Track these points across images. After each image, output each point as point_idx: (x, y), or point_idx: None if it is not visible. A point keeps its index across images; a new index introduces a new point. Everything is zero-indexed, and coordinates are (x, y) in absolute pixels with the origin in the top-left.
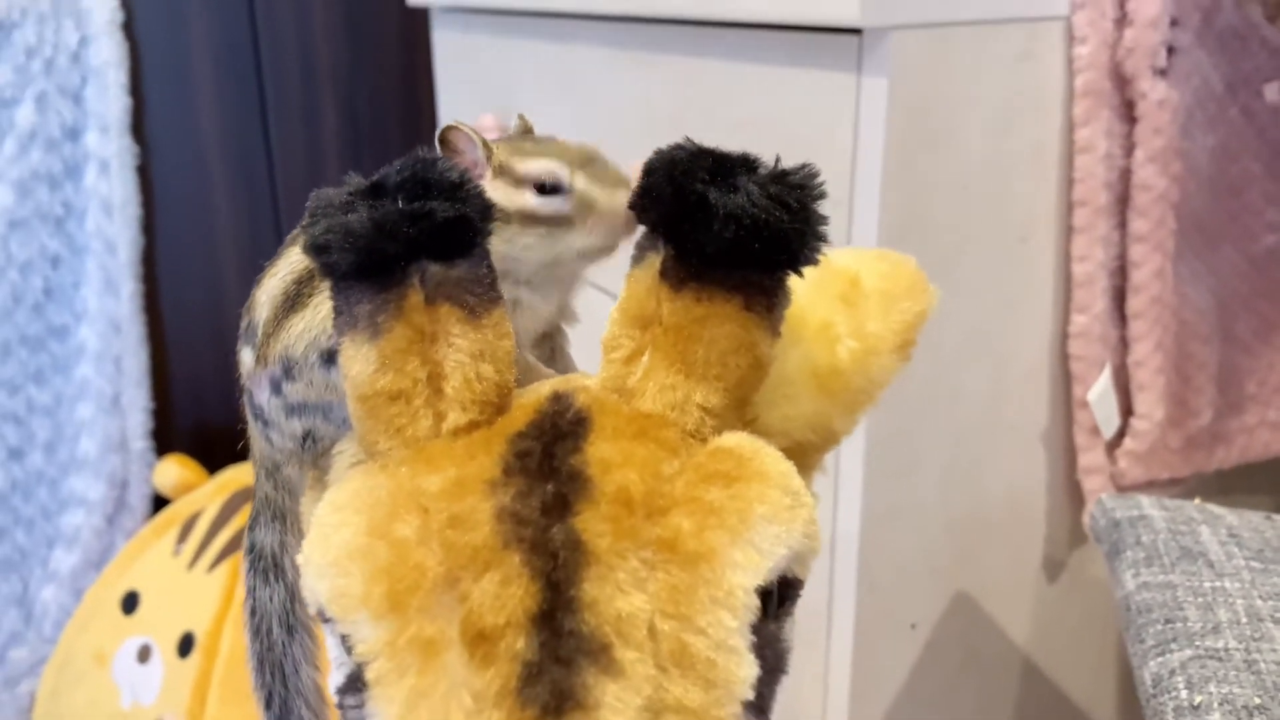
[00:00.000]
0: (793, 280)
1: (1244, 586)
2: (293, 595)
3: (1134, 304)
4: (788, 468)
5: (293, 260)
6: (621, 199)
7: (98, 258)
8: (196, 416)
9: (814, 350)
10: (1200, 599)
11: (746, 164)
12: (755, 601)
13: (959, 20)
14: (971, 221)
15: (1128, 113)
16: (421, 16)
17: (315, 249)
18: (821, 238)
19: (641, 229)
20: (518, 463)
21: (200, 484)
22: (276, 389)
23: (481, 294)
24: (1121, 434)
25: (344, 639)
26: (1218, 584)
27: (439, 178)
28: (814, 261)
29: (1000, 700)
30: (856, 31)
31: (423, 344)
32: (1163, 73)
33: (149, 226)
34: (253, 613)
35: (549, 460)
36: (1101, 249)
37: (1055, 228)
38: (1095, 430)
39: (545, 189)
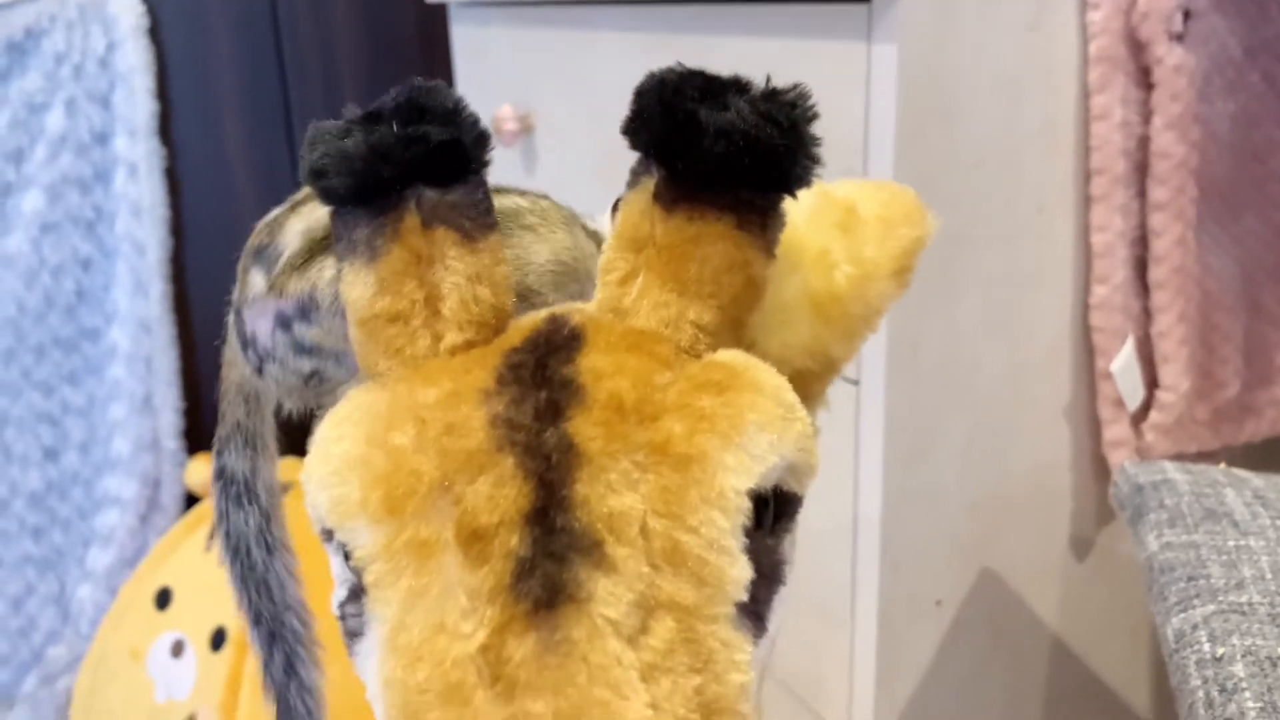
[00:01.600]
0: (790, 208)
1: (1269, 544)
2: (267, 517)
3: (1156, 274)
4: (782, 382)
5: None
6: None
7: (127, 260)
8: None
9: (811, 277)
10: (1224, 556)
11: (738, 85)
12: (747, 504)
13: None
14: (987, 192)
15: (1144, 79)
16: (439, 13)
17: (313, 174)
18: (813, 158)
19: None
20: (511, 374)
21: None
22: (285, 325)
23: (477, 219)
24: (1147, 407)
25: (345, 551)
26: (1242, 542)
27: (434, 103)
28: (807, 182)
29: (1030, 678)
30: (865, 0)
31: (419, 266)
32: (1179, 37)
33: (177, 228)
34: (228, 535)
35: (542, 371)
36: (1121, 218)
37: (1073, 197)
38: (1120, 403)
39: None
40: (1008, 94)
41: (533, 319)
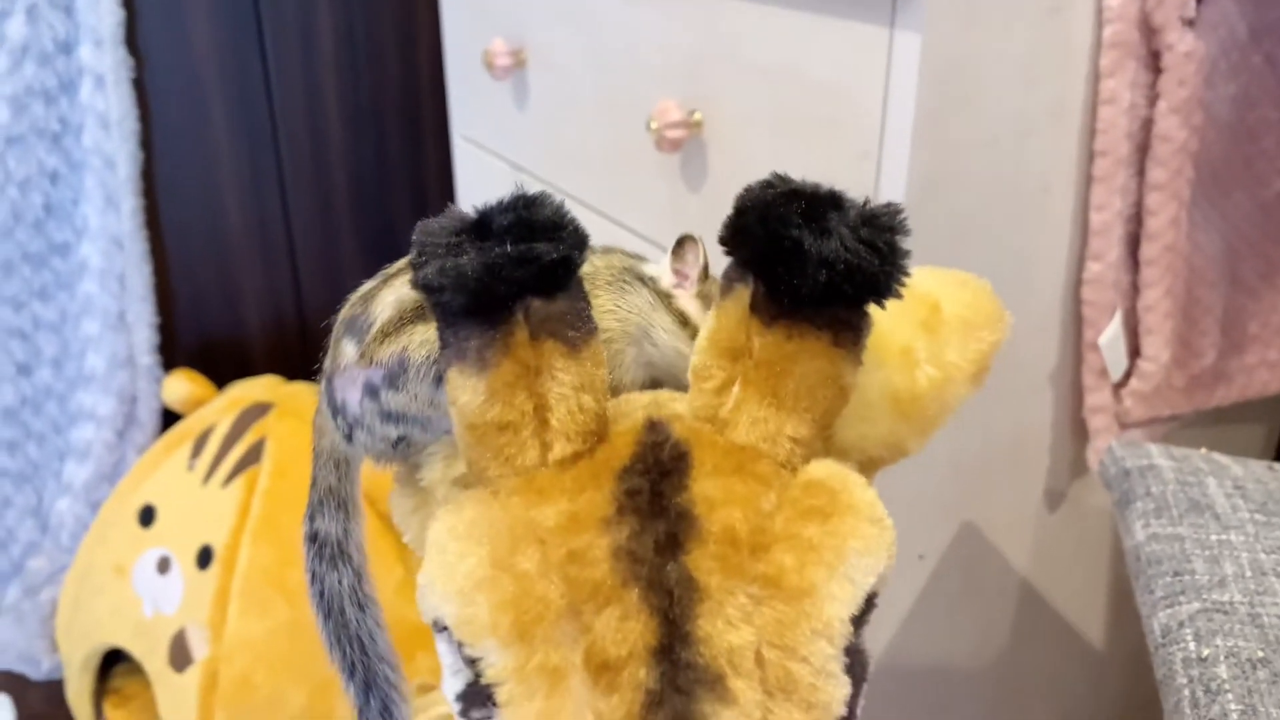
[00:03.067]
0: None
1: (1248, 540)
2: (359, 576)
3: (1147, 251)
4: (873, 496)
5: None
6: None
7: (97, 174)
8: (200, 331)
9: (894, 376)
10: (1207, 552)
11: (835, 202)
12: (850, 630)
13: None
14: (997, 174)
15: (1153, 63)
16: None
17: (427, 288)
18: (905, 271)
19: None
20: (629, 501)
21: (208, 398)
22: (373, 393)
23: (580, 326)
24: (1128, 375)
25: (467, 656)
26: (1224, 537)
27: (542, 219)
28: (898, 295)
29: (998, 622)
30: None
31: (529, 378)
32: (1190, 23)
33: (147, 142)
34: (321, 595)
35: (658, 499)
36: (1119, 198)
37: (1075, 177)
38: (1104, 372)
39: None
40: (1022, 77)
41: (631, 423)
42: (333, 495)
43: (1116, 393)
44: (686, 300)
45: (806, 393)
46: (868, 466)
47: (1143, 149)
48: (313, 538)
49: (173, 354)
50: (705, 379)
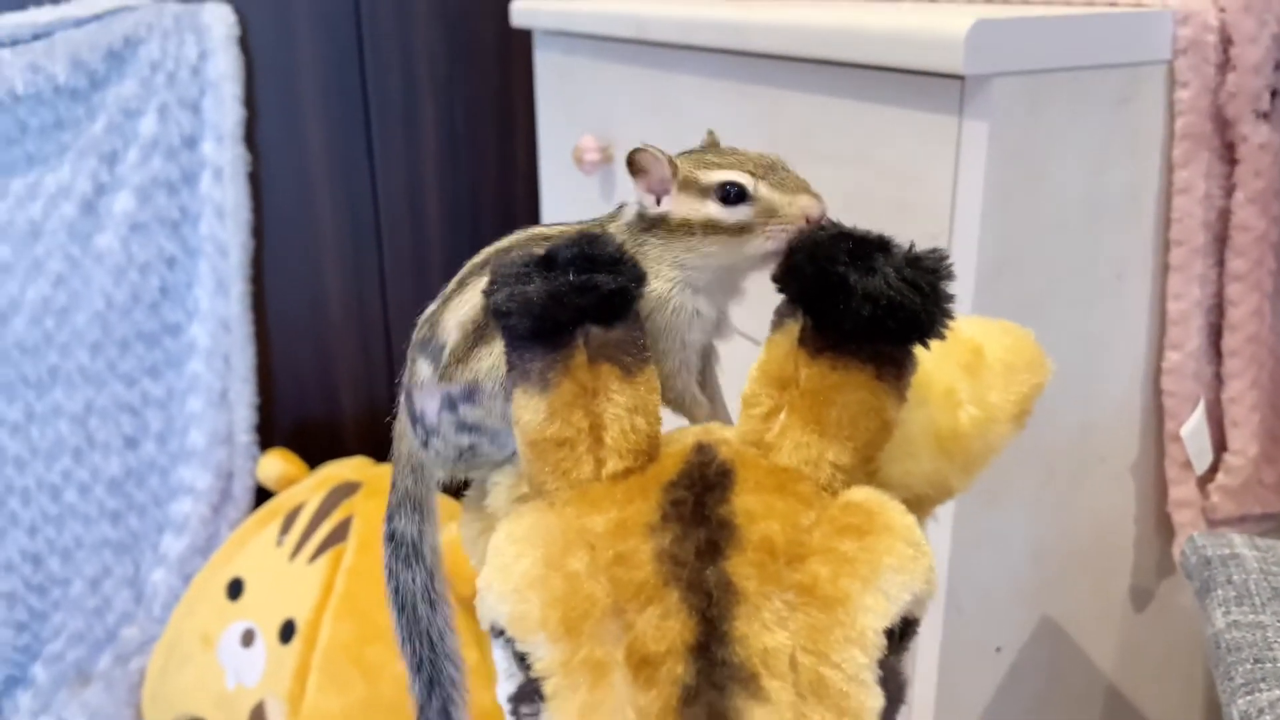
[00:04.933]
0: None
1: None
2: (431, 575)
3: (1230, 341)
4: (911, 521)
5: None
6: (802, 204)
7: (210, 260)
8: (297, 412)
9: (937, 414)
10: None
11: (883, 245)
12: (883, 641)
13: (1060, 66)
14: (1067, 258)
15: (1228, 154)
16: (519, 35)
17: (497, 313)
18: (949, 314)
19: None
20: (673, 510)
21: (300, 477)
22: (452, 407)
23: (635, 354)
24: (1214, 468)
25: (519, 655)
26: None
27: (602, 254)
28: (941, 336)
29: None
30: (959, 77)
31: (586, 398)
32: (1265, 115)
33: (258, 230)
34: (396, 592)
35: (700, 509)
36: (1198, 287)
37: (1151, 265)
38: (1187, 464)
39: (729, 198)
40: (1093, 164)
41: (681, 446)
42: (410, 498)
43: (1203, 487)
44: (680, 204)
45: (849, 422)
46: (915, 505)
47: (1221, 239)
48: (390, 537)
49: (270, 433)
50: (753, 405)
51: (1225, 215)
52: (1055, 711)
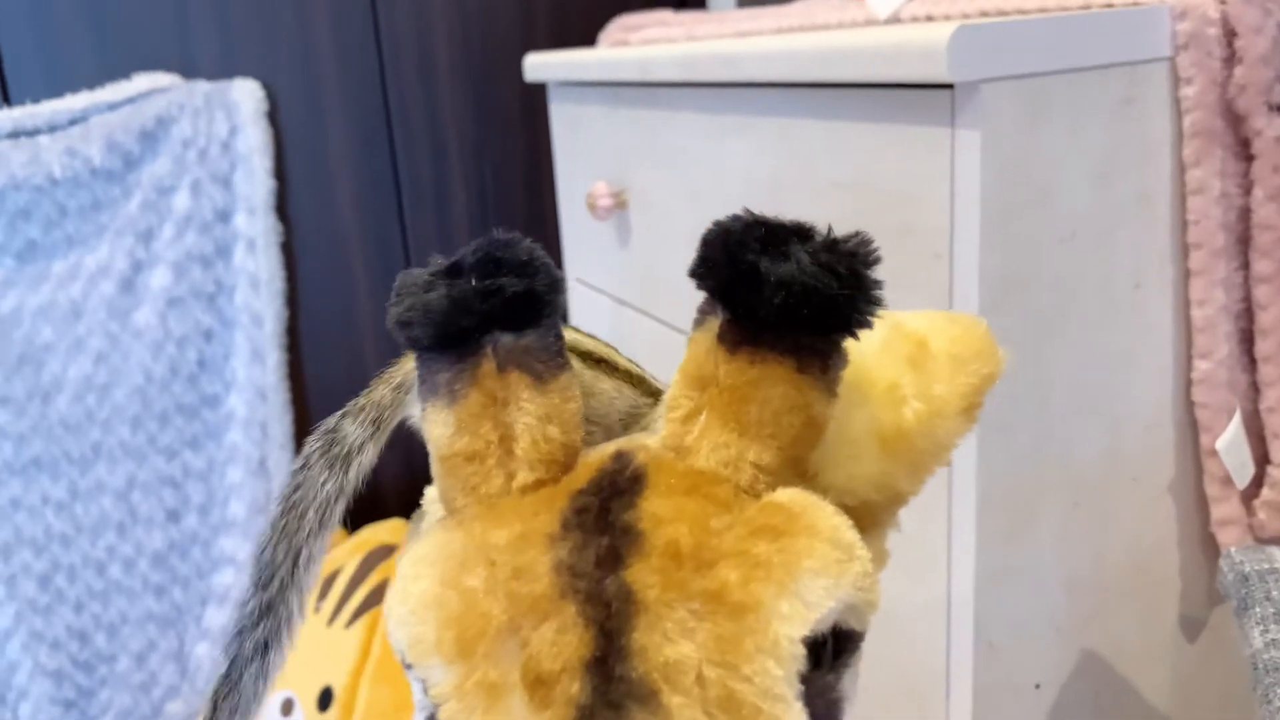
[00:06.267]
0: (861, 343)
1: None
2: (341, 492)
3: (1263, 347)
4: (840, 522)
5: None
6: None
7: (246, 330)
8: None
9: (879, 412)
10: None
11: (800, 233)
12: (801, 651)
13: (1054, 69)
14: (1080, 271)
15: (1243, 151)
16: (540, 91)
17: (399, 325)
18: (874, 300)
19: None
20: (575, 518)
21: (339, 543)
22: None
23: (549, 360)
24: (1259, 484)
25: (419, 679)
26: None
27: (509, 256)
28: (867, 325)
29: None
30: (947, 86)
31: (495, 408)
32: (1278, 108)
33: (292, 300)
34: (297, 488)
35: (604, 515)
36: (1223, 292)
37: (1170, 272)
38: (1228, 480)
39: None
40: (1099, 171)
41: (600, 455)
42: (374, 408)
43: (1248, 504)
44: None
45: (771, 419)
46: (864, 513)
47: (1244, 240)
48: (330, 430)
49: None
50: (674, 409)
51: (1245, 215)
52: None
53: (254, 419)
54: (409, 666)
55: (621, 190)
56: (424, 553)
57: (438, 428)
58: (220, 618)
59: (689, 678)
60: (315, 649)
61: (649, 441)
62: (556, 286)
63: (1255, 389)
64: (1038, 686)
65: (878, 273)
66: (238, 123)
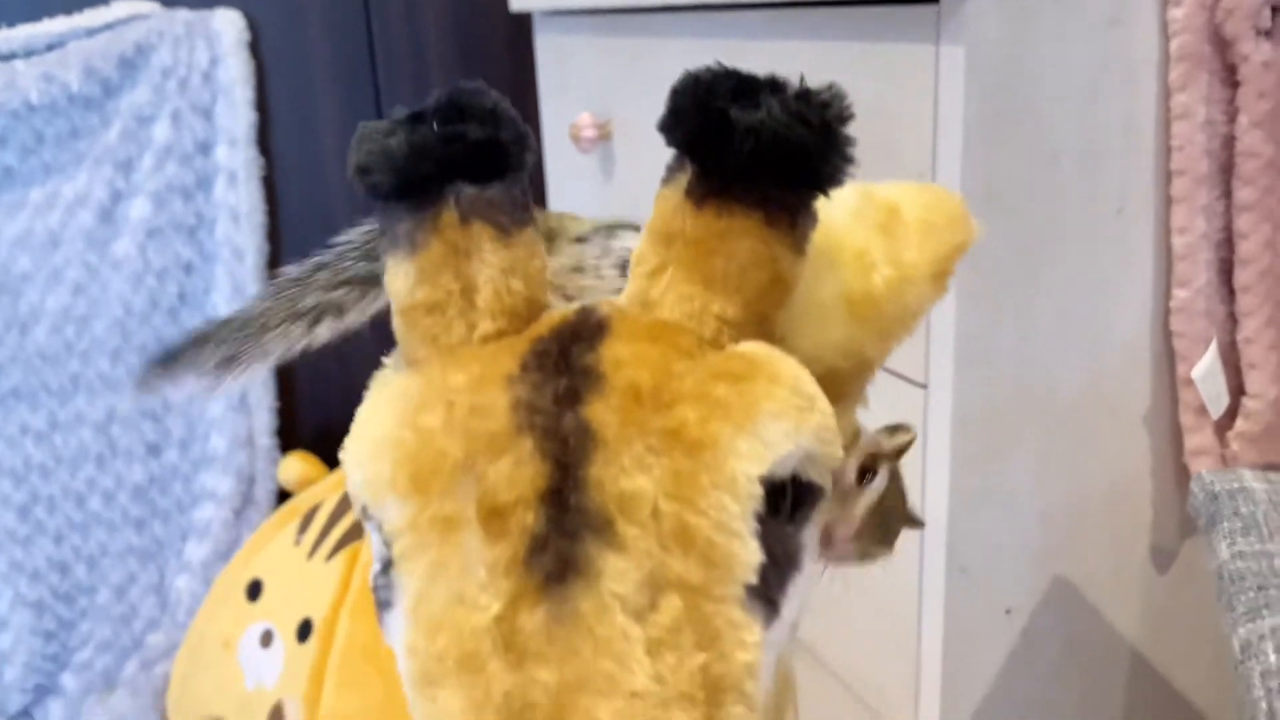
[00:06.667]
0: (831, 207)
1: None
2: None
3: (1242, 277)
4: (802, 373)
5: None
6: None
7: (226, 265)
8: (318, 415)
9: (849, 276)
10: None
11: (772, 84)
12: (758, 490)
13: None
14: (1062, 194)
15: (1229, 76)
16: (526, 22)
17: (359, 170)
18: (846, 157)
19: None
20: (535, 360)
21: (320, 479)
22: None
23: (513, 214)
24: (1233, 415)
25: (375, 522)
26: None
27: (475, 104)
28: (839, 181)
29: (1106, 693)
30: (934, 1)
31: (457, 259)
32: (1267, 33)
33: (274, 234)
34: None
35: (565, 358)
36: (1204, 219)
37: (1153, 198)
38: (1202, 410)
39: None
40: (1085, 93)
41: (564, 311)
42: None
43: (1221, 435)
44: None
45: (737, 273)
46: (831, 380)
47: (1227, 168)
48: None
49: (291, 437)
50: (640, 264)
51: (1230, 142)
52: (1073, 677)
53: None
54: (367, 516)
55: (606, 122)
56: (381, 397)
57: (399, 280)
58: (201, 551)
59: (644, 510)
60: (295, 581)
61: (616, 299)
62: (523, 141)
63: (1233, 320)
64: (1008, 612)
65: (851, 129)
66: (219, 53)
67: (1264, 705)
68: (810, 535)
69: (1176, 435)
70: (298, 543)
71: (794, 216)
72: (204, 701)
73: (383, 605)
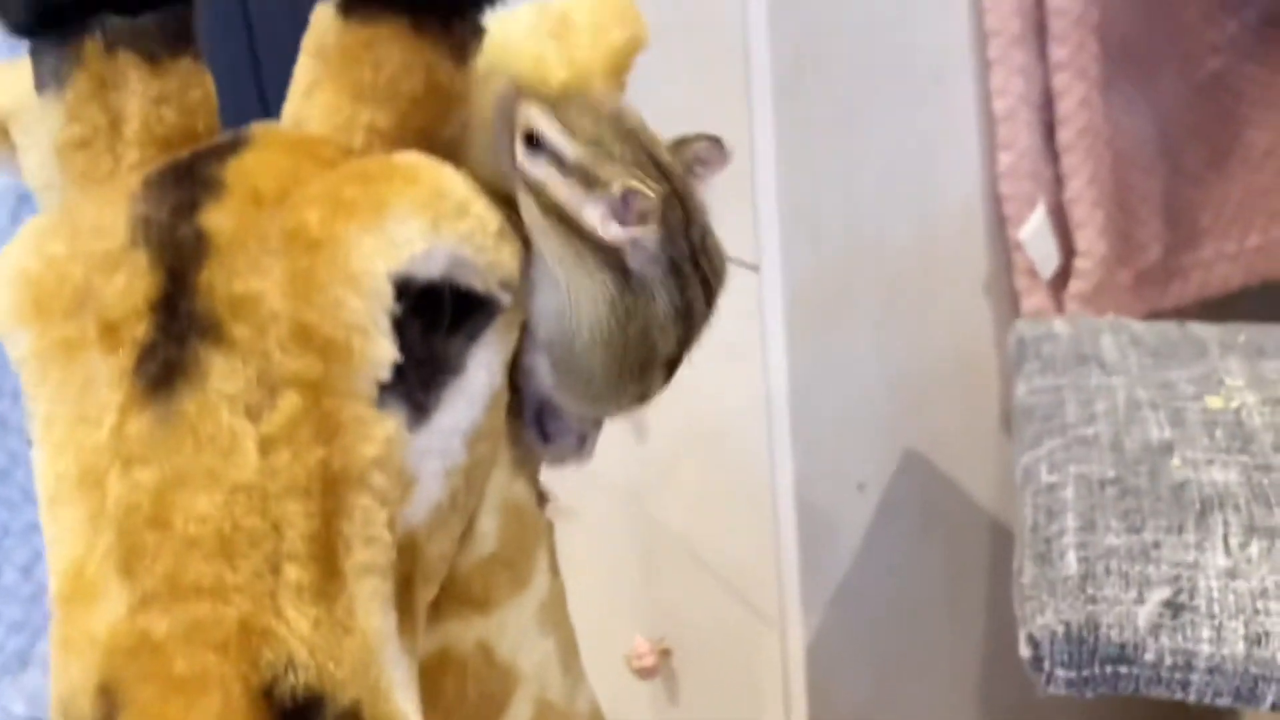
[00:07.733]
0: (510, 28)
1: (1129, 380)
2: None
3: (1063, 137)
4: (455, 179)
5: None
6: None
7: None
8: None
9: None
10: (1083, 395)
11: None
12: (386, 287)
13: None
14: (878, 62)
15: None
16: None
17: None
18: None
19: None
20: (158, 175)
21: None
22: None
23: (169, 44)
24: (1067, 275)
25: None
26: (1104, 381)
27: None
28: None
29: (968, 561)
30: None
31: (105, 92)
32: None
33: None
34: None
35: (189, 172)
36: (1022, 81)
37: (971, 63)
38: (1034, 272)
39: None
40: None
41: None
42: None
43: (1057, 296)
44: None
45: (387, 83)
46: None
47: (1041, 29)
48: None
49: None
50: (294, 85)
51: (1041, 1)
52: (933, 550)
53: None
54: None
55: None
56: (19, 235)
57: (51, 118)
58: None
59: (259, 311)
60: None
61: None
62: None
63: (1059, 180)
64: (861, 487)
65: None
66: None
67: (1030, 520)
68: (488, 356)
69: (1015, 299)
70: None
71: (445, 19)
72: None
73: (29, 443)
